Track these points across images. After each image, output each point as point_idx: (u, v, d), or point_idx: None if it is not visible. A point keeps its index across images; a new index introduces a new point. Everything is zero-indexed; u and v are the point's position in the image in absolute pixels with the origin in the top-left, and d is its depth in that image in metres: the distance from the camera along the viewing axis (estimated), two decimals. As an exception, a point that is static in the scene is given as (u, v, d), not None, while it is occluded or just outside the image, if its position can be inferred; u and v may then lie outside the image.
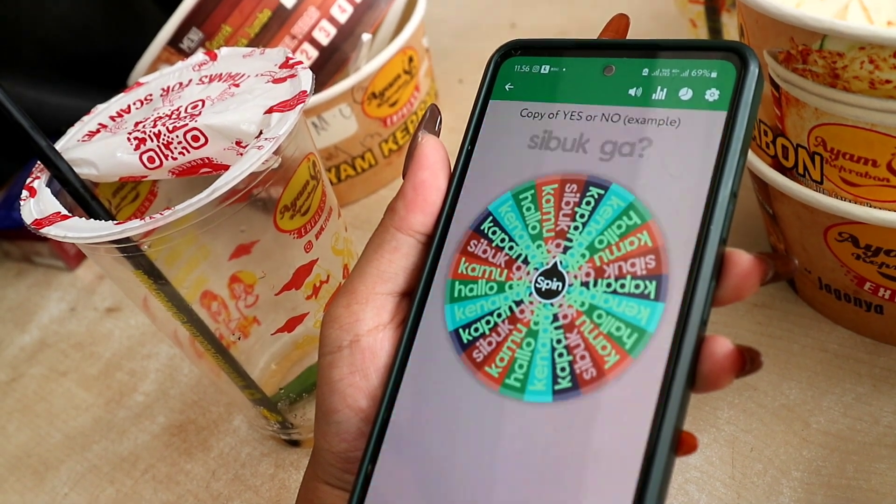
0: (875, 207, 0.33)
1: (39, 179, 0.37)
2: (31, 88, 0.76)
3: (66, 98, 0.78)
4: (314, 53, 0.53)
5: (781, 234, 0.40)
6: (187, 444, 0.47)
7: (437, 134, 0.29)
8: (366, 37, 0.52)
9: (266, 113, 0.35)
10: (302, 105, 0.35)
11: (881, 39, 0.29)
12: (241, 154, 0.35)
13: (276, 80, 0.37)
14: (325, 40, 0.53)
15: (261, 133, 0.34)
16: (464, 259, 0.27)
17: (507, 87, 0.28)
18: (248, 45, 0.52)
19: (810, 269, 0.39)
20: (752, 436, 0.37)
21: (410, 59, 0.57)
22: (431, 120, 0.29)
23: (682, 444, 0.22)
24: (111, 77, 0.64)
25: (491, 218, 0.27)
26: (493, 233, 0.26)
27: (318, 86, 0.53)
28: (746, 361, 0.22)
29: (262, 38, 0.51)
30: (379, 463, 0.25)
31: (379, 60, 0.54)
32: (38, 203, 0.36)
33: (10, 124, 0.35)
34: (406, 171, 0.28)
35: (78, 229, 0.33)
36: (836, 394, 0.37)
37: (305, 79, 0.36)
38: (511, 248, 0.26)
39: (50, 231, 0.33)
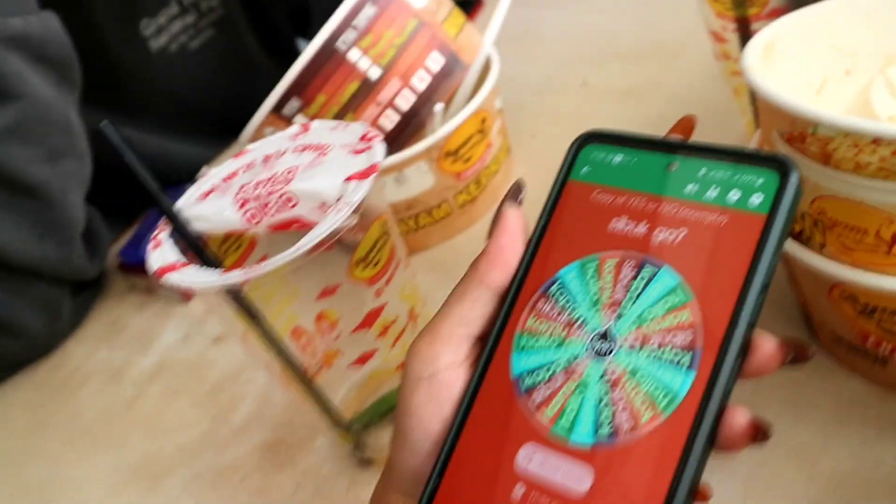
0: (869, 271, 0.37)
1: (164, 232, 0.45)
2: (160, 136, 0.87)
3: (190, 146, 0.88)
4: (396, 118, 0.60)
5: (800, 289, 0.44)
6: (278, 459, 0.54)
7: (520, 204, 0.34)
8: (438, 107, 0.59)
9: (346, 181, 0.42)
10: (374, 174, 0.41)
11: (860, 129, 0.34)
12: (326, 214, 0.42)
13: (356, 152, 0.44)
14: (405, 106, 0.60)
15: (340, 198, 0.41)
16: (532, 315, 0.31)
17: (584, 169, 0.33)
18: (339, 112, 0.59)
19: (825, 323, 0.43)
20: (764, 473, 0.41)
21: (483, 121, 0.64)
22: (516, 192, 0.34)
23: (699, 493, 0.27)
24: (229, 126, 0.73)
25: (559, 282, 0.31)
26: (560, 295, 0.31)
27: (399, 146, 0.61)
28: (759, 433, 0.27)
29: (351, 105, 0.59)
30: (445, 479, 0.30)
31: (453, 123, 0.61)
32: (162, 253, 0.43)
33: (145, 188, 0.44)
34: (490, 234, 0.33)
35: (193, 276, 0.41)
36: (844, 437, 0.41)
37: (378, 152, 0.43)
38: (573, 310, 0.31)
39: (172, 278, 0.41)
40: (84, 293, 0.76)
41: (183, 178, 0.49)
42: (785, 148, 0.38)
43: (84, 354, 0.72)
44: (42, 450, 0.63)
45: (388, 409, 0.50)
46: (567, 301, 0.31)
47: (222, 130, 0.84)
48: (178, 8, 0.83)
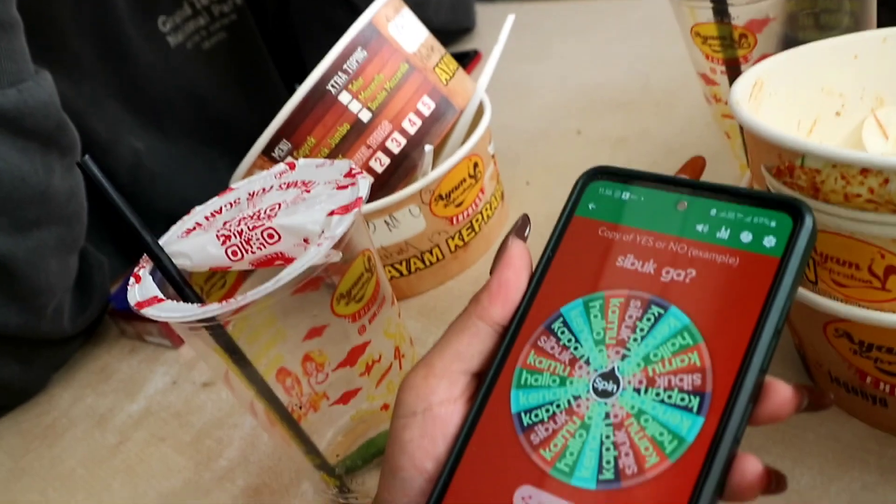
0: (862, 307, 0.36)
1: (144, 268, 0.44)
2: (181, 144, 0.86)
3: (210, 154, 0.88)
4: (386, 161, 0.60)
5: (794, 329, 0.43)
6: (267, 502, 0.53)
7: (525, 240, 0.34)
8: (427, 148, 0.59)
9: (328, 215, 0.41)
10: (357, 209, 0.41)
11: (847, 160, 0.33)
12: (309, 249, 0.42)
13: (340, 187, 0.43)
14: (396, 149, 0.60)
15: (322, 232, 0.41)
16: (533, 352, 0.30)
17: (590, 206, 0.32)
18: (329, 154, 0.59)
19: (821, 362, 0.42)
20: (761, 517, 0.40)
21: (476, 165, 0.64)
22: (522, 227, 0.34)
23: None
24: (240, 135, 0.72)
25: (562, 319, 0.31)
26: (562, 332, 0.30)
27: (390, 189, 0.60)
28: (773, 482, 0.26)
29: (342, 148, 0.59)
30: None
31: (445, 167, 0.60)
32: (142, 288, 0.43)
33: (123, 223, 0.43)
34: (493, 269, 0.33)
35: (169, 310, 0.40)
36: (844, 481, 0.40)
37: (363, 186, 0.42)
38: (576, 348, 0.30)
39: (148, 311, 0.40)
40: (72, 341, 0.75)
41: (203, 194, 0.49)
42: (774, 183, 0.38)
43: (70, 400, 0.71)
44: (22, 497, 0.61)
45: (375, 453, 0.48)
46: (570, 339, 0.30)
47: (231, 140, 0.84)
48: (191, 10, 0.84)
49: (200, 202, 0.48)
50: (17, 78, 0.58)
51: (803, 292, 0.38)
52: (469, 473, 0.29)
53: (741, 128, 0.55)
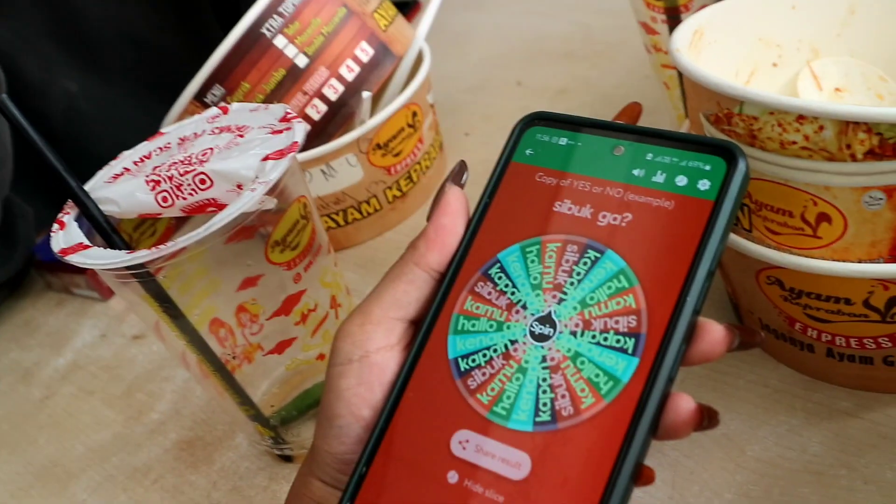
0: (794, 254, 0.37)
1: (69, 215, 0.42)
2: (116, 87, 0.83)
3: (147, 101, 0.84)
4: (323, 108, 0.58)
5: (727, 277, 0.44)
6: (194, 458, 0.52)
7: (462, 186, 0.33)
8: (366, 94, 0.57)
9: (262, 160, 0.40)
10: (293, 153, 0.40)
11: (784, 106, 0.33)
12: (242, 194, 0.40)
13: (275, 132, 0.42)
14: (333, 96, 0.58)
15: (256, 177, 0.39)
16: (470, 297, 0.30)
17: (527, 151, 0.32)
18: (264, 100, 0.57)
19: (752, 310, 0.43)
20: (693, 461, 0.40)
21: (414, 114, 0.63)
22: (459, 174, 0.33)
23: (642, 476, 0.26)
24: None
25: (499, 265, 0.30)
26: (499, 278, 0.30)
27: (327, 137, 0.59)
28: (704, 418, 0.26)
29: (277, 94, 0.57)
30: (373, 466, 0.29)
31: (383, 115, 0.59)
32: (66, 235, 0.41)
33: (46, 166, 0.41)
34: (430, 215, 0.32)
35: (95, 257, 0.38)
36: (771, 425, 0.41)
37: (299, 131, 0.41)
38: (513, 293, 0.29)
39: (73, 258, 0.39)
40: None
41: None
42: (712, 130, 0.38)
43: None
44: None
45: (310, 404, 0.48)
46: (507, 284, 0.30)
47: (168, 85, 0.81)
48: None
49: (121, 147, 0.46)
50: None
51: (738, 240, 0.39)
52: (406, 420, 0.29)
53: (680, 77, 0.55)
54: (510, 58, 0.85)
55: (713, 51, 0.44)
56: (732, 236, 0.39)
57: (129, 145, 0.47)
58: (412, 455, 0.28)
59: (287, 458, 0.49)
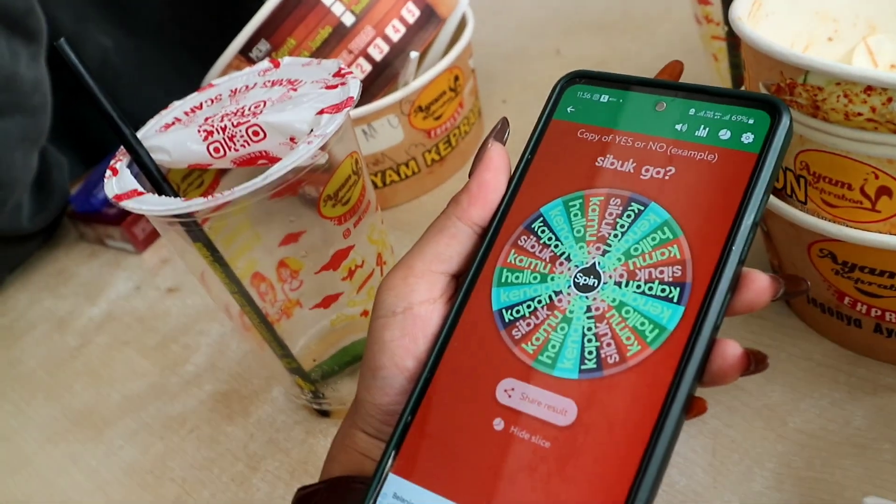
0: (850, 227, 0.37)
1: (121, 162, 0.43)
2: (153, 45, 0.83)
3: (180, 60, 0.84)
4: (368, 67, 0.58)
5: (775, 250, 0.44)
6: (229, 410, 0.52)
7: (504, 143, 0.33)
8: (413, 54, 0.57)
9: (317, 114, 0.40)
10: (348, 108, 0.40)
11: (853, 76, 0.33)
12: (295, 147, 0.40)
13: (329, 87, 0.42)
14: (378, 56, 0.58)
15: (311, 131, 0.39)
16: (514, 251, 0.31)
17: (568, 109, 0.32)
18: (309, 57, 0.57)
19: (799, 283, 0.43)
20: (734, 430, 0.41)
21: (456, 78, 0.62)
22: (501, 131, 0.34)
23: (694, 406, 0.26)
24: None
25: (542, 218, 0.31)
26: (542, 231, 0.30)
27: (369, 97, 0.59)
28: (752, 362, 0.26)
29: (323, 52, 0.57)
30: (418, 416, 0.29)
31: (426, 77, 0.59)
32: (119, 181, 0.41)
33: (102, 113, 0.41)
34: (473, 171, 0.32)
35: (151, 203, 0.38)
36: (814, 398, 0.41)
37: (353, 87, 0.41)
38: (556, 246, 0.30)
39: (128, 204, 0.39)
40: (29, 241, 0.72)
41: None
42: (771, 100, 0.38)
43: (27, 303, 0.69)
44: (-21, 396, 0.60)
45: (350, 360, 0.48)
46: (550, 237, 0.30)
47: (201, 43, 0.80)
48: None
49: (165, 105, 0.46)
50: None
51: (792, 212, 0.39)
52: (450, 370, 0.29)
53: (730, 49, 0.55)
54: (550, 27, 0.84)
55: (770, 22, 0.43)
56: (787, 208, 0.39)
57: (161, 102, 0.47)
58: (457, 404, 0.29)
59: (324, 413, 0.49)
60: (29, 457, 0.54)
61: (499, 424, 0.28)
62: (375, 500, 0.28)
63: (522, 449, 0.27)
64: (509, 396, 0.28)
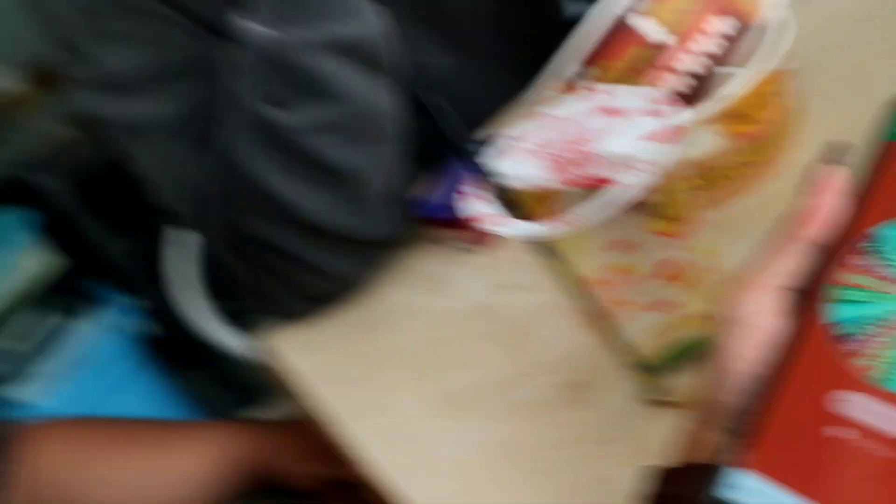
0: None
1: (471, 186, 0.50)
2: (476, 61, 0.90)
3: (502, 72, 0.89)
4: (684, 82, 0.62)
5: None
6: (577, 398, 0.60)
7: (837, 164, 0.35)
8: (729, 71, 0.60)
9: (648, 140, 0.45)
10: (681, 138, 0.44)
11: None
12: (631, 172, 0.46)
13: (658, 114, 0.47)
14: (691, 70, 0.62)
15: (643, 159, 0.45)
16: (849, 270, 0.33)
17: None
18: (622, 77, 0.62)
19: None
20: None
21: (775, 82, 0.64)
22: (835, 153, 0.36)
23: None
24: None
25: (880, 239, 0.33)
26: (877, 252, 0.32)
27: (688, 108, 0.62)
28: None
29: (635, 70, 0.61)
30: (763, 419, 0.32)
31: (744, 84, 0.61)
32: (479, 205, 0.49)
33: (448, 141, 0.49)
34: (806, 190, 0.35)
35: (514, 228, 0.46)
36: None
37: (682, 115, 0.46)
38: (892, 266, 0.32)
39: (494, 228, 0.47)
40: (390, 243, 0.83)
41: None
42: None
43: (395, 298, 0.79)
44: (362, 376, 0.72)
45: (688, 356, 0.53)
46: (887, 258, 0.32)
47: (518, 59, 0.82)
48: None
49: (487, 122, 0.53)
50: (355, 9, 0.66)
51: None
52: (789, 378, 0.32)
53: None
54: (874, 13, 0.80)
55: None
56: None
57: (488, 119, 0.54)
58: (795, 411, 0.31)
59: (667, 405, 0.54)
60: (410, 429, 0.65)
61: (844, 433, 0.30)
62: (727, 491, 0.31)
63: (866, 459, 0.29)
64: (847, 407, 0.30)
